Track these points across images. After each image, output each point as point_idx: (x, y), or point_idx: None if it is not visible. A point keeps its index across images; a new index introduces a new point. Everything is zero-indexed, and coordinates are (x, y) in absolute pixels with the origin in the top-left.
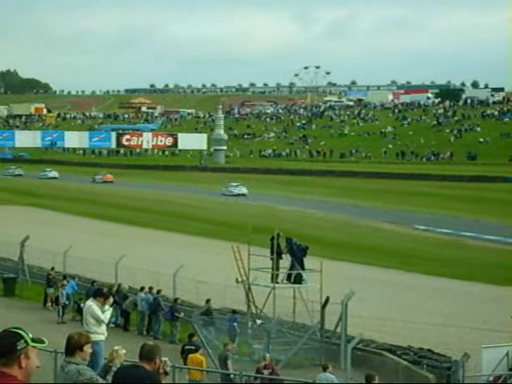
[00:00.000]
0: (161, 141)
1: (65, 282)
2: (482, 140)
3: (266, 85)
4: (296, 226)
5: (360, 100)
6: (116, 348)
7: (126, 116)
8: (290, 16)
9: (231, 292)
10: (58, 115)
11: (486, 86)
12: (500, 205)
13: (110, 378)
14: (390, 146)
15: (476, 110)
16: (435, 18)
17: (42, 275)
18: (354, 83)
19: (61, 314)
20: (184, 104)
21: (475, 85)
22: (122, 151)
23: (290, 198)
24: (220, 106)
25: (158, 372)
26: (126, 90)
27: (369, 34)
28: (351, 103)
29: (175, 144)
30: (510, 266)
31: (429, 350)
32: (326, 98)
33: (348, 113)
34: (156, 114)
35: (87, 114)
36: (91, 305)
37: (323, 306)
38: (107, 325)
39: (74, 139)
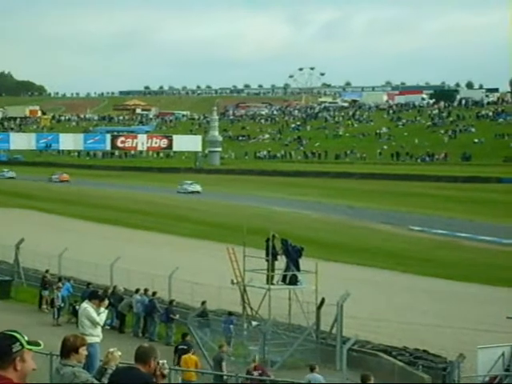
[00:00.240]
0: (155, 143)
1: (60, 284)
2: (476, 141)
3: (260, 86)
4: (291, 228)
5: (355, 101)
6: (111, 350)
7: (121, 118)
8: (285, 17)
9: (227, 294)
10: (53, 117)
11: (481, 87)
12: (494, 205)
13: (105, 380)
14: (385, 146)
15: (470, 110)
16: (429, 18)
17: (38, 278)
18: (348, 84)
19: (56, 317)
20: (179, 106)
21: (470, 85)
22: (116, 153)
23: (285, 199)
24: (215, 108)
25: (154, 374)
26: (121, 92)
27: (363, 35)
28: (346, 104)
29: (170, 146)
30: (505, 266)
31: (424, 351)
32: (320, 100)
33: (343, 114)
34: (151, 116)
35: (82, 116)
36: (86, 307)
37: (318, 307)
38: (102, 327)
39: (69, 141)
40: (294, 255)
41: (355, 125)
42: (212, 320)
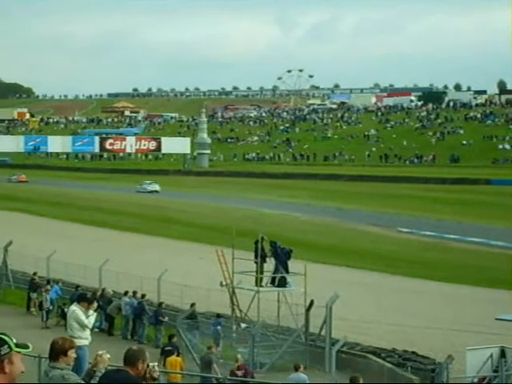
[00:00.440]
0: (144, 145)
1: (48, 286)
2: (464, 142)
3: (249, 88)
4: (280, 230)
5: (343, 103)
6: (100, 353)
7: (109, 120)
8: (273, 19)
9: (216, 296)
10: (41, 120)
11: (469, 89)
12: (483, 207)
13: (94, 382)
14: (374, 148)
15: (459, 112)
16: (417, 20)
17: (26, 280)
18: (337, 86)
19: (45, 319)
20: (167, 108)
21: (458, 87)
22: (105, 155)
23: (274, 201)
24: (203, 110)
25: (144, 377)
26: (109, 94)
27: (351, 37)
28: (334, 106)
29: (159, 148)
30: (494, 267)
31: (413, 353)
32: (309, 102)
33: (331, 116)
34: (139, 118)
35: (70, 118)
36: (75, 310)
37: (307, 309)
38: (91, 329)
39: (57, 144)
40: (282, 257)
41: (344, 127)
42: (201, 322)
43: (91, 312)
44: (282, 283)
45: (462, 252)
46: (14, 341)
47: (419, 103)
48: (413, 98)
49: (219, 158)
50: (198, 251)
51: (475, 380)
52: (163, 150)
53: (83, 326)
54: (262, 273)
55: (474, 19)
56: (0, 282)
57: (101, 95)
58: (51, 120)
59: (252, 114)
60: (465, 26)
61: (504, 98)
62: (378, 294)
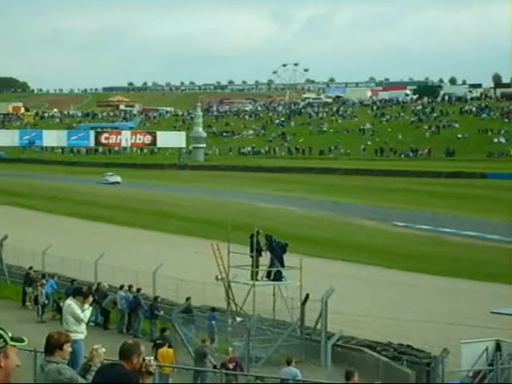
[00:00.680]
0: (139, 139)
1: (44, 281)
2: (460, 136)
3: (244, 82)
4: (275, 224)
5: (338, 97)
6: (96, 347)
7: (105, 114)
8: (268, 13)
9: (211, 290)
10: (36, 114)
11: (464, 83)
12: (478, 201)
13: (89, 376)
14: (369, 142)
15: (454, 106)
16: (412, 15)
17: (21, 274)
18: (332, 80)
19: (40, 313)
20: (162, 102)
21: (453, 81)
22: (100, 149)
23: (270, 195)
24: (198, 104)
25: (140, 371)
26: (104, 89)
27: (347, 32)
28: (330, 100)
29: (154, 142)
30: (489, 261)
31: (408, 346)
32: (304, 95)
33: (327, 110)
34: (134, 112)
35: (65, 112)
36: (70, 304)
37: (303, 303)
38: (87, 324)
39: (53, 138)
40: (278, 251)
41: (339, 121)
42: (196, 316)
43: (87, 306)
44: (278, 277)
45: (457, 246)
46: (10, 334)
47: (414, 97)
48: (408, 91)
49: (214, 152)
50: (194, 245)
51: (470, 373)
52: (158, 144)
53: (79, 320)
54: (257, 267)
55: (470, 13)
56: None
57: (96, 89)
58: (46, 114)
59: (247, 108)
60: (460, 21)
61: (499, 91)
62: (373, 287)
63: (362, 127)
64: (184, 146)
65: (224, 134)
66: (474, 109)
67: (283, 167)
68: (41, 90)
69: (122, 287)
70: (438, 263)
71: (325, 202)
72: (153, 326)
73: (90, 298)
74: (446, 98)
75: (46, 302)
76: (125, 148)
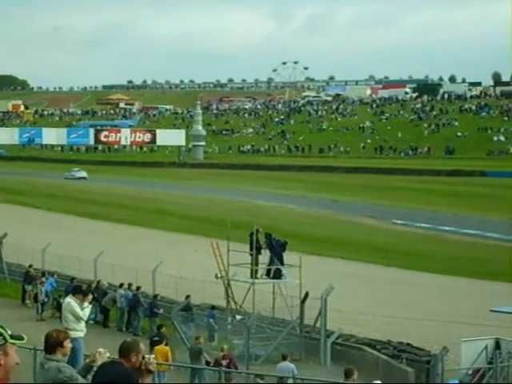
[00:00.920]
0: (139, 137)
1: (43, 279)
2: (459, 134)
3: (244, 80)
4: (275, 222)
5: (338, 95)
6: (101, 350)
7: (104, 112)
8: (268, 12)
9: (211, 288)
10: (36, 112)
11: (464, 81)
12: (478, 199)
13: (90, 377)
14: (369, 140)
15: (453, 104)
16: (412, 12)
17: (21, 272)
18: (332, 78)
19: (40, 311)
20: (162, 100)
21: (453, 79)
22: (100, 147)
23: (269, 193)
24: (198, 102)
25: (139, 369)
26: (104, 86)
27: (346, 30)
28: (329, 98)
29: (153, 140)
30: (489, 259)
31: (408, 344)
32: (304, 94)
33: (326, 108)
34: (134, 110)
35: (65, 110)
36: (70, 302)
37: (302, 301)
38: (86, 322)
39: (52, 136)
40: (277, 249)
41: (339, 119)
42: (196, 314)
43: (86, 304)
44: (277, 275)
45: (456, 244)
46: (9, 332)
47: (414, 95)
48: (408, 89)
49: (214, 150)
50: (193, 243)
51: (470, 372)
52: (158, 142)
53: (78, 318)
54: (257, 265)
55: (469, 11)
56: None
57: (96, 87)
58: (46, 112)
59: (247, 106)
60: (459, 19)
61: (499, 89)
62: (373, 285)
63: (361, 125)
64: (183, 144)
65: (223, 132)
66: (473, 107)
67: (283, 165)
68: (40, 87)
69: (121, 285)
70: (437, 261)
71: (324, 200)
72: (152, 324)
73: (90, 296)
74: (446, 96)
75: (46, 299)
76: (124, 146)
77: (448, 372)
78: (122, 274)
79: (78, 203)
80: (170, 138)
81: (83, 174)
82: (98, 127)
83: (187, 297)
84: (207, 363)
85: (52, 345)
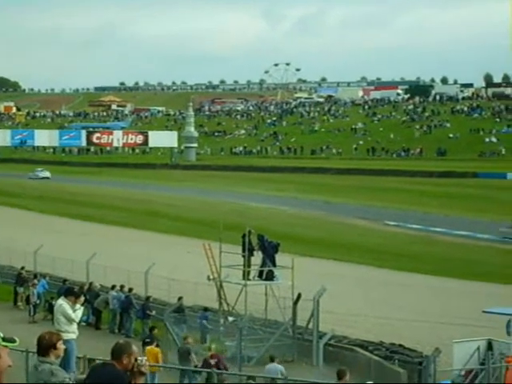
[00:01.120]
0: (131, 139)
1: (36, 281)
2: (451, 136)
3: (236, 82)
4: (267, 223)
5: (330, 96)
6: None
7: (96, 114)
8: (260, 13)
9: (203, 289)
10: (28, 114)
11: (455, 82)
12: (470, 200)
13: None
14: (361, 142)
15: (445, 105)
16: (404, 14)
17: (13, 274)
18: (324, 80)
19: (32, 314)
20: (154, 102)
21: (444, 81)
22: (92, 149)
23: (261, 194)
24: (190, 104)
25: (132, 371)
26: (96, 88)
27: (338, 31)
28: (321, 100)
29: (146, 142)
30: (480, 261)
31: (400, 346)
32: (296, 95)
33: (318, 109)
34: (126, 112)
35: (57, 112)
36: (62, 304)
37: (295, 303)
38: (78, 323)
39: (44, 138)
40: (270, 251)
41: (331, 120)
42: (188, 316)
43: (78, 306)
44: (270, 277)
45: (448, 245)
46: (1, 335)
47: (406, 96)
48: (400, 91)
49: (206, 151)
50: (186, 245)
51: (462, 373)
52: (150, 144)
53: (70, 320)
54: (249, 266)
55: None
56: None
57: (88, 89)
58: (38, 114)
59: (239, 108)
60: (452, 20)
61: (490, 91)
62: (365, 287)
63: (353, 127)
64: (176, 145)
65: (216, 134)
66: (465, 108)
67: (275, 167)
68: (32, 89)
69: (113, 287)
70: (429, 262)
71: (316, 201)
72: (145, 326)
73: (82, 298)
74: (438, 97)
75: (38, 302)
76: (116, 148)
77: (440, 373)
78: (114, 276)
79: (71, 205)
80: (162, 139)
81: (46, 174)
82: (90, 129)
83: (179, 298)
84: (195, 366)
85: (45, 347)
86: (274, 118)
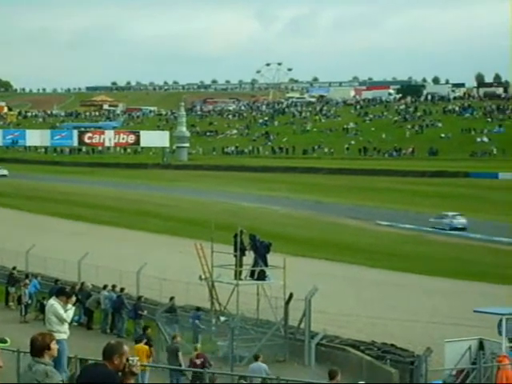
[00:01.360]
0: (123, 138)
1: (27, 281)
2: (443, 135)
3: (228, 82)
4: (259, 223)
5: (322, 96)
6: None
7: (88, 114)
8: (252, 13)
9: (195, 289)
10: (19, 113)
11: (447, 82)
12: (462, 200)
13: None
14: (353, 142)
15: (437, 105)
16: (396, 14)
17: (4, 274)
18: (315, 80)
19: (23, 314)
20: (146, 101)
21: (436, 81)
22: (83, 149)
23: (253, 194)
24: (182, 103)
25: (123, 371)
26: (88, 88)
27: (330, 31)
28: (313, 100)
29: (137, 142)
30: (472, 260)
31: (392, 345)
32: (288, 95)
33: (310, 109)
34: (118, 112)
35: (48, 112)
36: (53, 304)
37: (287, 303)
38: (70, 323)
39: (36, 137)
40: (262, 250)
41: (323, 120)
42: (180, 316)
43: (70, 306)
44: (261, 276)
45: (441, 245)
46: None
47: (398, 96)
48: (391, 91)
49: (198, 151)
50: (177, 245)
51: (453, 372)
52: (142, 144)
53: (62, 320)
54: (241, 266)
55: (453, 13)
56: None
57: (79, 89)
58: (29, 114)
59: (231, 108)
60: (443, 21)
61: (482, 91)
62: (357, 286)
63: (345, 126)
64: (167, 145)
65: (207, 134)
66: (457, 108)
67: (267, 167)
68: (24, 89)
69: (105, 287)
70: (421, 262)
71: (308, 201)
72: (137, 326)
73: (73, 298)
74: (429, 97)
75: (30, 302)
76: (108, 147)
77: (432, 373)
78: (106, 276)
79: (62, 205)
80: (154, 139)
81: (4, 171)
82: (82, 129)
83: (171, 298)
84: (180, 365)
85: (39, 348)
86: (266, 118)
